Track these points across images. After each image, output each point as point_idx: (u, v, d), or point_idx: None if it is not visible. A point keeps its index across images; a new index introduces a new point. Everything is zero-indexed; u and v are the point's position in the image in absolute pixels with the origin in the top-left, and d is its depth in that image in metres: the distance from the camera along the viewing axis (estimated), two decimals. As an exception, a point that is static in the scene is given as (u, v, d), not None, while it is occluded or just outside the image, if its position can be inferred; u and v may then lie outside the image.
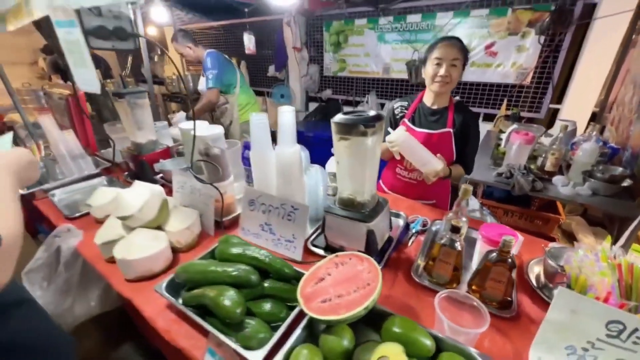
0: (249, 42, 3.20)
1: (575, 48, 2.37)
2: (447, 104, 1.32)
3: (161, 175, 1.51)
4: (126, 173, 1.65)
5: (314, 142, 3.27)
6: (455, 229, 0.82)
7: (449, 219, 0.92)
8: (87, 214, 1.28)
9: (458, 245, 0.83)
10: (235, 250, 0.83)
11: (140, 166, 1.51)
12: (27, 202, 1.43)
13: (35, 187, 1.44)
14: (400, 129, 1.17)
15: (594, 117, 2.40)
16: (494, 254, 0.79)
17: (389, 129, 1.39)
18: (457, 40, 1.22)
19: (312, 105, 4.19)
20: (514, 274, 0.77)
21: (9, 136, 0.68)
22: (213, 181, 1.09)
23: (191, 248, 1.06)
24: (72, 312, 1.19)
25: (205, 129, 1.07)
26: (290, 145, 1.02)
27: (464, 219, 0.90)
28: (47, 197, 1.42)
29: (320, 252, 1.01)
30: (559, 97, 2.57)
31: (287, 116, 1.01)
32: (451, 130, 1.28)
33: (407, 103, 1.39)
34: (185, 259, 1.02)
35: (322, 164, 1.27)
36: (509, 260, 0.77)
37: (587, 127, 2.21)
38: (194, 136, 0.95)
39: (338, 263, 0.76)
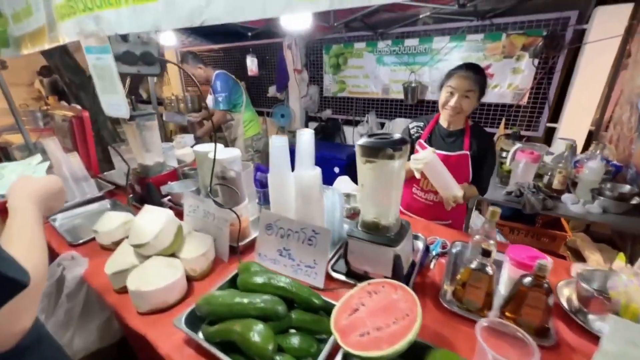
0: (251, 63, 3.27)
1: (569, 69, 2.47)
2: (463, 126, 1.34)
3: (169, 197, 1.47)
4: (131, 196, 1.60)
5: (316, 162, 3.27)
6: (487, 253, 0.80)
7: (476, 242, 0.90)
8: (92, 240, 1.22)
9: (489, 270, 0.81)
10: (259, 280, 0.79)
11: (147, 189, 1.47)
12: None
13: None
14: (429, 149, 1.17)
15: (590, 136, 2.46)
16: (529, 279, 0.77)
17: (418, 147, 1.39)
18: (475, 71, 1.22)
19: (312, 125, 4.23)
20: (551, 300, 0.75)
21: (45, 164, 0.66)
22: (229, 204, 1.06)
23: (205, 276, 1.01)
24: (71, 347, 1.11)
25: (221, 152, 1.05)
26: (309, 168, 1.01)
27: (491, 241, 0.88)
28: (47, 222, 1.36)
29: (342, 277, 0.98)
30: (555, 116, 2.65)
31: (306, 138, 1.00)
32: (468, 152, 1.29)
33: (422, 124, 1.40)
34: (199, 288, 0.97)
35: (325, 183, 1.25)
36: (545, 285, 0.74)
37: (588, 146, 2.26)
38: (214, 160, 0.93)
39: (371, 292, 0.72)
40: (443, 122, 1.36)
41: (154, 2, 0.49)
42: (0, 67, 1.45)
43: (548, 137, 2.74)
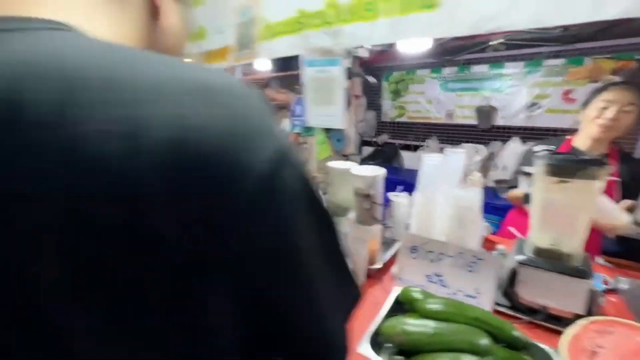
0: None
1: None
2: (606, 150, 1.19)
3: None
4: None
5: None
6: None
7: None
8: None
9: None
10: (447, 308, 0.72)
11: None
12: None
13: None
14: None
15: None
16: None
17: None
18: (637, 83, 1.09)
19: (366, 150, 4.22)
20: None
21: None
22: (367, 224, 1.01)
23: (348, 299, 0.95)
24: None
25: (365, 170, 1.03)
26: (462, 188, 0.95)
27: None
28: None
29: (506, 310, 0.87)
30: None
31: (458, 158, 0.96)
32: (616, 179, 1.15)
33: (553, 147, 1.30)
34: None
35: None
36: None
37: None
38: (374, 178, 0.90)
39: (600, 331, 0.62)
40: (581, 145, 1.24)
41: (430, 11, 0.49)
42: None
43: None
